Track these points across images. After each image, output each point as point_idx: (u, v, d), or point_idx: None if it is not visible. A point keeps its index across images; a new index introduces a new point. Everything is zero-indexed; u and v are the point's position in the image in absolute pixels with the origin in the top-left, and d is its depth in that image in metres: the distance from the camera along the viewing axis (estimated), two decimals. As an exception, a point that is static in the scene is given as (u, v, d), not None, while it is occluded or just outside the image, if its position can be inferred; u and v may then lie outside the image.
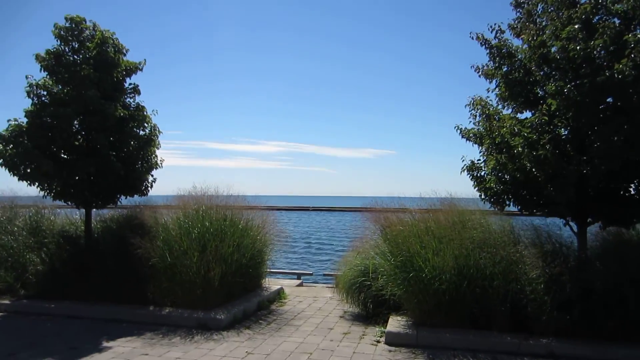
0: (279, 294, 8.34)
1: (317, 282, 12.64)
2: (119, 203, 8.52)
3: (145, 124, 8.26)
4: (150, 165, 8.46)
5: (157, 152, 8.64)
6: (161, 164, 8.79)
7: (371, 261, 6.80)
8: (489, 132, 6.24)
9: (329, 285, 11.56)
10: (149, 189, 8.51)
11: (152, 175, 8.63)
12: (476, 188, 6.87)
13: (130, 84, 8.30)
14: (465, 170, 6.87)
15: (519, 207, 6.37)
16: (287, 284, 9.72)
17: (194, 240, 6.75)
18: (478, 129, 6.78)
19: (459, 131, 7.25)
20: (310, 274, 12.65)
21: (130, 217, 8.05)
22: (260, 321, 6.71)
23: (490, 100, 6.67)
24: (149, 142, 8.23)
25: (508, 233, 6.03)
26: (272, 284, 9.13)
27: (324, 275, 12.66)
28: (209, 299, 6.63)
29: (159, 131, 8.45)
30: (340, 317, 7.00)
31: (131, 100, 8.35)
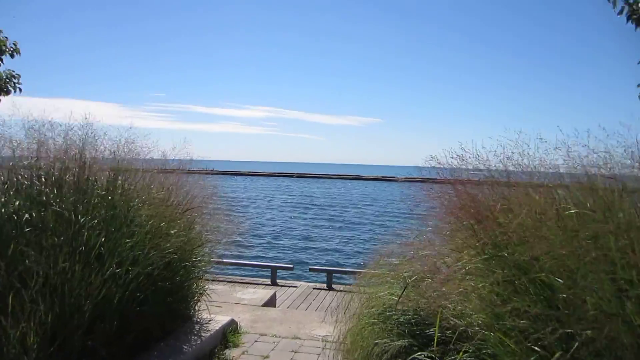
0: (226, 337, 4.17)
1: (299, 279, 8.71)
2: None
3: None
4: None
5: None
6: (14, 50, 4.57)
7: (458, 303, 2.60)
8: None
9: (319, 286, 7.55)
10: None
11: None
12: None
13: None
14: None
15: None
16: (248, 301, 5.56)
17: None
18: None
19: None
20: (291, 268, 8.62)
21: None
22: None
23: None
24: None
25: None
26: (218, 298, 5.00)
27: (310, 270, 8.61)
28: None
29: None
30: None
31: None
